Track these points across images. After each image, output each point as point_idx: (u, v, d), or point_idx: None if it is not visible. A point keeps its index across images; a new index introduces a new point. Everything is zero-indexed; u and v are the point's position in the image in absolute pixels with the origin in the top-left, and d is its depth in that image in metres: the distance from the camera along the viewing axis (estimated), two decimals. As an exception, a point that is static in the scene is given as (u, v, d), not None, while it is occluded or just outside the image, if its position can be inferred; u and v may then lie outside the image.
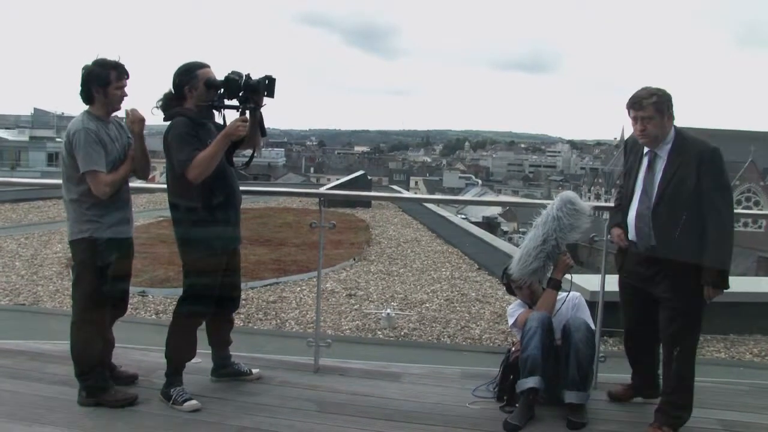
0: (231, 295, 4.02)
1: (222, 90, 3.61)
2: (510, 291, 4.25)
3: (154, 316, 8.69)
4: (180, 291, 3.86)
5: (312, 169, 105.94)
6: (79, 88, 3.67)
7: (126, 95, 3.70)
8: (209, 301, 3.82)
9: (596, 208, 4.76)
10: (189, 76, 3.66)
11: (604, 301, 4.36)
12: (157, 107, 3.70)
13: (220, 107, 3.66)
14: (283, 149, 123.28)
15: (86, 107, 3.70)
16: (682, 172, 3.51)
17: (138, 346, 4.73)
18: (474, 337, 8.42)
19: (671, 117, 3.58)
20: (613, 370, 4.38)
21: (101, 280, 3.67)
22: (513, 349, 4.03)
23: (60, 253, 12.43)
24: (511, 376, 3.89)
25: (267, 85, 3.60)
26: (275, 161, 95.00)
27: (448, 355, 7.66)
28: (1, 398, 3.78)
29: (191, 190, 3.59)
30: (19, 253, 12.98)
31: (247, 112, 3.61)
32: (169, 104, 3.69)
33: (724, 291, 3.49)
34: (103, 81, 3.61)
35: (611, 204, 4.08)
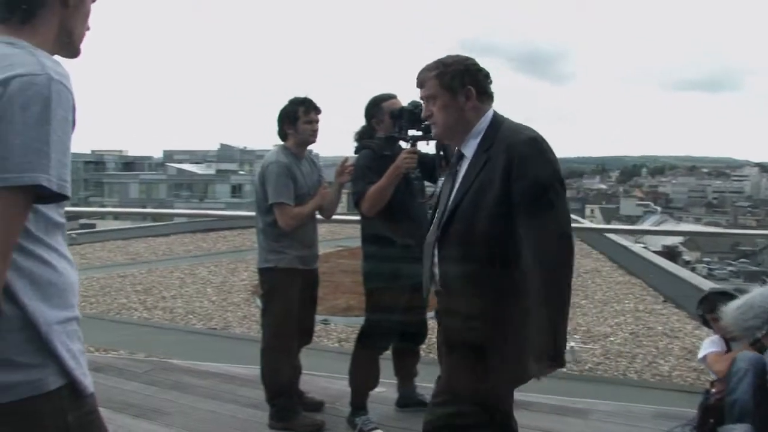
0: (417, 330, 4.00)
1: (404, 120, 3.63)
2: (705, 323, 3.91)
3: (337, 344, 8.91)
4: (361, 320, 3.89)
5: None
6: (276, 127, 3.85)
7: (316, 129, 3.82)
8: (390, 336, 3.82)
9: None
10: (375, 108, 3.72)
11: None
12: (354, 139, 3.81)
13: (404, 138, 3.67)
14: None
15: (282, 143, 3.86)
16: (483, 178, 2.31)
17: (323, 374, 4.83)
18: (663, 373, 7.93)
19: (473, 96, 2.38)
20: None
21: (288, 309, 3.77)
22: (713, 390, 3.68)
23: (246, 280, 13.16)
24: (711, 420, 3.54)
25: None
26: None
27: (636, 392, 7.21)
28: (203, 417, 3.99)
29: (377, 223, 3.62)
30: (210, 279, 13.89)
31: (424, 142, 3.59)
32: (362, 137, 3.78)
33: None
34: (292, 117, 3.77)
35: None
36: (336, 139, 3.88)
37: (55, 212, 1.42)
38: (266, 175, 3.73)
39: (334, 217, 4.16)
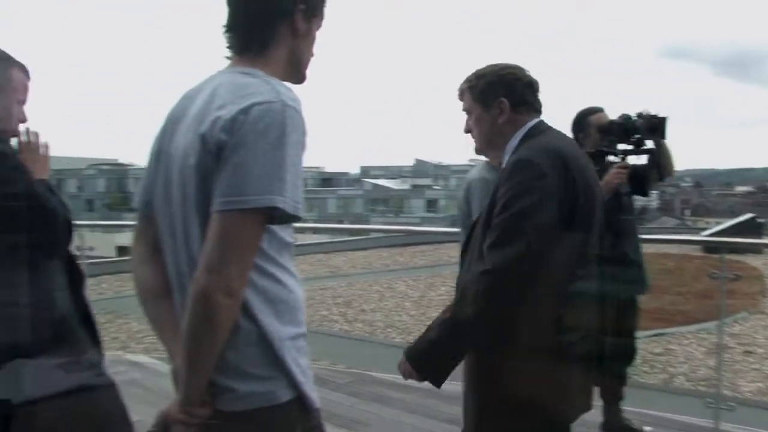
0: (624, 351, 3.81)
1: (613, 134, 3.49)
2: None
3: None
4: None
5: (688, 212, 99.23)
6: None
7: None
8: (594, 356, 3.66)
9: None
10: (582, 122, 3.62)
11: None
12: None
13: (613, 153, 3.52)
14: (656, 192, 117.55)
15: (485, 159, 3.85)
16: (491, 200, 2.17)
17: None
18: None
19: (506, 108, 2.19)
20: None
21: None
22: None
23: (444, 295, 13.23)
24: None
25: (656, 126, 3.38)
26: (649, 204, 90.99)
27: None
28: (403, 430, 4.05)
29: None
30: (408, 294, 14.15)
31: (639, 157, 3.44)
32: None
33: None
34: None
35: None
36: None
37: (285, 233, 1.50)
38: (471, 191, 3.70)
39: None
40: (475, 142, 2.35)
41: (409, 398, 4.65)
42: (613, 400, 3.94)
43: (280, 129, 1.36)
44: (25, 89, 2.12)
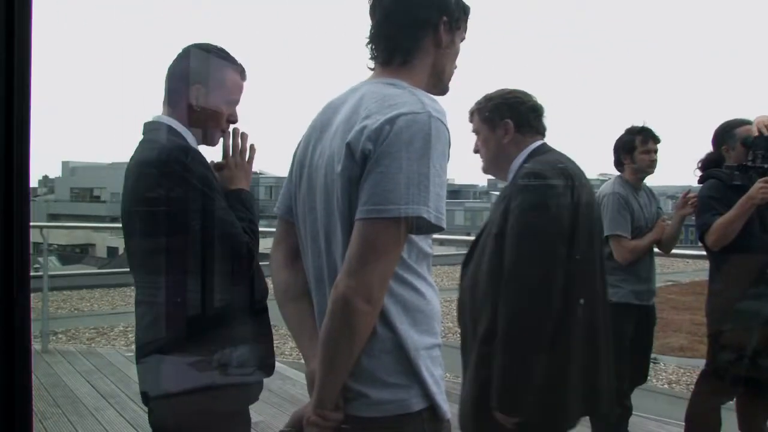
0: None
1: (759, 148, 3.24)
2: None
3: (666, 386, 8.29)
4: (696, 362, 3.54)
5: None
6: (612, 156, 3.81)
7: (654, 159, 3.70)
8: (738, 378, 3.40)
9: None
10: (726, 135, 3.44)
11: None
12: (697, 167, 3.54)
13: (758, 168, 3.27)
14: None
15: (618, 173, 3.80)
16: (492, 217, 2.34)
17: (652, 416, 4.53)
18: None
19: (510, 130, 2.35)
20: None
21: (621, 347, 3.48)
22: None
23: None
24: None
25: None
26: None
27: None
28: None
29: (726, 258, 3.33)
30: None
31: None
32: (708, 165, 3.48)
33: None
34: (629, 147, 3.70)
35: None
36: (675, 168, 3.61)
37: (425, 242, 1.52)
38: (603, 205, 3.66)
39: (673, 251, 3.93)
40: (482, 161, 2.47)
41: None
42: (755, 429, 3.63)
43: (425, 140, 1.37)
44: (239, 90, 2.14)
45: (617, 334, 3.54)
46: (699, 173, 3.54)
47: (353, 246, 1.38)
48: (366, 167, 1.39)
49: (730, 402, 3.58)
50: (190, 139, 2.05)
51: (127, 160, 2.06)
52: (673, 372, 8.76)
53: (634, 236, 3.61)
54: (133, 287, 2.18)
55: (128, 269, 2.14)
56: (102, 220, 34.47)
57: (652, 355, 9.35)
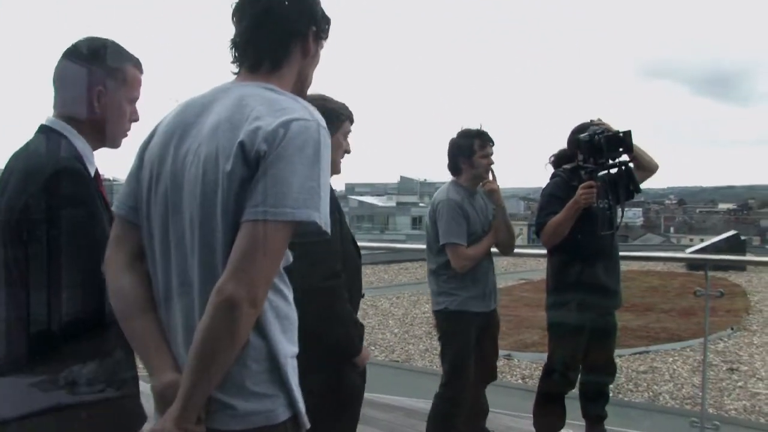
0: (605, 369, 3.77)
1: (583, 152, 3.47)
2: None
3: (520, 381, 8.67)
4: (546, 356, 3.74)
5: (672, 229, 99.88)
6: (447, 161, 3.67)
7: (492, 163, 3.59)
8: (576, 372, 3.63)
9: None
10: (573, 136, 3.58)
11: None
12: (549, 162, 3.69)
13: (582, 169, 3.49)
14: (640, 209, 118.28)
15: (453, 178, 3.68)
16: None
17: (507, 412, 4.68)
18: None
19: None
20: None
21: (464, 354, 3.57)
22: None
23: (428, 313, 13.15)
24: None
25: (620, 141, 3.36)
26: (632, 221, 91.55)
27: None
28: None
29: (560, 256, 3.52)
30: (391, 311, 14.09)
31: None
32: (560, 161, 3.65)
33: None
34: (467, 151, 3.57)
35: None
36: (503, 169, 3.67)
37: (288, 250, 1.47)
38: (438, 213, 3.57)
39: (517, 250, 4.01)
40: None
41: (388, 418, 4.59)
42: (596, 418, 3.87)
43: (315, 147, 1.39)
44: (138, 86, 1.98)
45: (462, 343, 3.56)
46: (551, 168, 3.68)
47: (240, 247, 1.33)
48: (259, 168, 1.36)
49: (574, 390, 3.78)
50: (80, 145, 1.87)
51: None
52: (527, 367, 9.20)
53: (472, 242, 3.50)
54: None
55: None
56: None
57: (506, 352, 9.81)
